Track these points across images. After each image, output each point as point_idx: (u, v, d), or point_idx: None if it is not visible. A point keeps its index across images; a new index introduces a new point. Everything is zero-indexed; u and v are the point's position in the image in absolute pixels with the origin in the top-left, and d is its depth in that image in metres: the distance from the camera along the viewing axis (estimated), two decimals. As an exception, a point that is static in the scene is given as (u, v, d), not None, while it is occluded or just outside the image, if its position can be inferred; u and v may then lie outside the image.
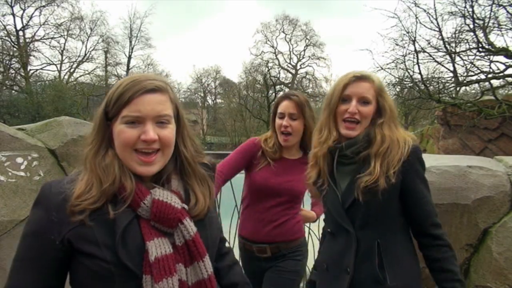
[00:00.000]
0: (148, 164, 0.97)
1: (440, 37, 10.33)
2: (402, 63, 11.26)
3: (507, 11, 9.44)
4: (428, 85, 10.51)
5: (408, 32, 10.62)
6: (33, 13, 24.49)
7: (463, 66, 10.46)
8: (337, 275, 1.50)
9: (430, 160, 2.62)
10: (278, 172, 2.07)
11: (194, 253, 0.96)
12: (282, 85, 32.57)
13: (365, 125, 1.51)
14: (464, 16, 9.86)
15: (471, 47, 10.15)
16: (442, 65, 11.14)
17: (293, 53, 32.61)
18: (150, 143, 0.96)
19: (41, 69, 26.05)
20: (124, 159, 0.97)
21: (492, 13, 9.36)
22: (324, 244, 1.70)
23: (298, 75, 32.83)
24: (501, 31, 9.69)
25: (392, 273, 1.43)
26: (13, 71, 24.80)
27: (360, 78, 1.51)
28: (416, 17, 10.32)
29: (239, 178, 2.30)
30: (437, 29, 10.29)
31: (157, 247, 0.91)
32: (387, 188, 1.41)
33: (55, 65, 26.29)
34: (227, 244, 1.30)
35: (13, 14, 23.82)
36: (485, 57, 10.04)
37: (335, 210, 1.54)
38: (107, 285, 0.90)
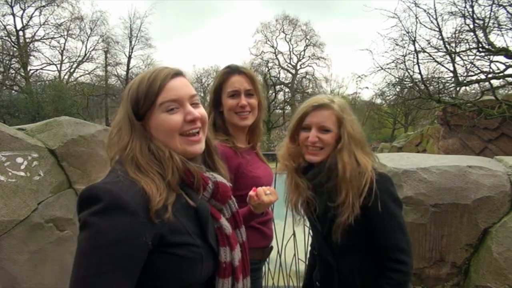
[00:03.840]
0: (198, 142, 1.03)
1: (440, 37, 10.32)
2: (402, 63, 11.26)
3: (507, 11, 9.43)
4: (428, 85, 10.50)
5: (408, 32, 10.61)
6: (33, 13, 24.46)
7: (463, 66, 10.45)
8: None
9: (430, 160, 2.61)
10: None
11: (238, 222, 1.13)
12: (282, 85, 32.57)
13: (329, 150, 1.51)
14: (464, 16, 9.85)
15: (471, 47, 10.14)
16: (442, 65, 11.14)
17: (293, 53, 32.63)
18: (197, 121, 1.02)
19: (41, 69, 26.03)
20: (173, 145, 1.00)
21: (492, 13, 9.36)
22: (317, 263, 1.72)
23: (298, 75, 32.81)
24: (501, 31, 9.69)
25: None
26: (13, 71, 24.76)
27: (319, 107, 1.51)
28: (416, 17, 10.32)
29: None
30: (437, 29, 10.28)
31: (225, 224, 1.04)
32: (356, 217, 1.41)
33: (55, 65, 26.27)
34: None
35: (13, 14, 23.79)
36: (485, 57, 10.03)
37: (316, 237, 1.61)
38: (197, 267, 0.95)
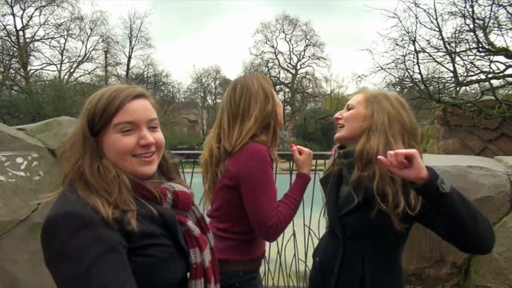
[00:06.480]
0: (149, 164, 1.02)
1: (440, 37, 10.35)
2: (402, 63, 11.30)
3: (507, 11, 9.45)
4: (428, 85, 10.52)
5: (408, 32, 10.65)
6: (33, 13, 24.50)
7: (463, 66, 10.49)
8: (326, 273, 1.54)
9: (430, 160, 2.61)
10: None
11: (204, 226, 1.16)
12: (282, 85, 32.58)
13: (350, 128, 1.50)
14: (464, 16, 9.88)
15: (471, 47, 10.16)
16: (442, 65, 11.17)
17: (293, 53, 32.65)
18: (150, 147, 1.01)
19: (41, 69, 26.05)
20: (123, 166, 0.99)
21: (492, 13, 9.39)
22: (322, 238, 1.73)
23: (298, 75, 32.82)
24: (501, 31, 9.71)
25: None
26: (13, 71, 24.77)
27: (358, 91, 1.61)
28: (416, 17, 10.35)
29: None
30: (437, 29, 10.31)
31: (193, 226, 1.09)
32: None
33: (55, 65, 26.30)
34: None
35: (13, 14, 23.82)
36: (485, 57, 10.05)
37: (331, 213, 1.57)
38: (169, 266, 1.00)
